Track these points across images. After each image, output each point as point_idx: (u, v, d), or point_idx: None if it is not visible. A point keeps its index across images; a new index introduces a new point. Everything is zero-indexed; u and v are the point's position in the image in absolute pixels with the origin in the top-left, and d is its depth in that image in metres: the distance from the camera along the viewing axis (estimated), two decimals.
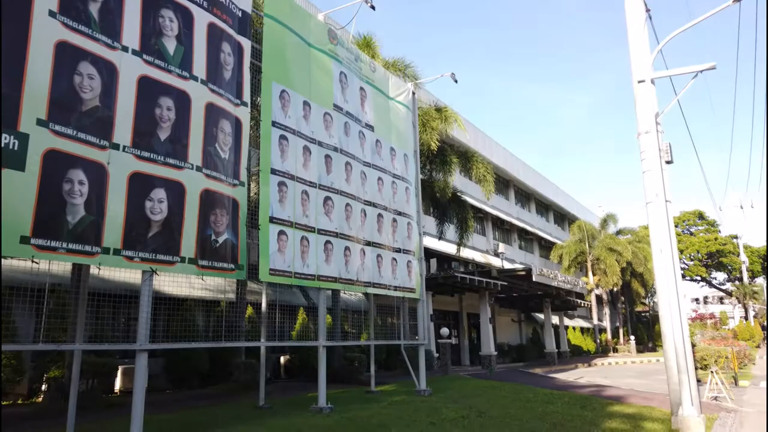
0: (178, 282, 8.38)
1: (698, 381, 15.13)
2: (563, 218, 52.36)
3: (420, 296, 11.90)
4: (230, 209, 7.59)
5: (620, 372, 25.25)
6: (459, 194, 21.08)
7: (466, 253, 33.79)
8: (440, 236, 21.89)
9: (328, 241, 9.41)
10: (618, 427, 8.47)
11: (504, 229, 40.67)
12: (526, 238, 44.08)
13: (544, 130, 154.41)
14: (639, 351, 39.77)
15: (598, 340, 40.67)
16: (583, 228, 41.25)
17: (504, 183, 41.75)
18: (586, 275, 40.37)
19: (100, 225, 5.98)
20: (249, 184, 8.39)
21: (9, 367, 10.97)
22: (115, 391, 13.77)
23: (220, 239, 7.36)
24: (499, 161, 38.30)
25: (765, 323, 53.86)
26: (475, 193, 35.74)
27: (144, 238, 6.40)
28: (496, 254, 37.13)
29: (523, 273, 26.10)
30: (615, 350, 40.30)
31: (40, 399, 10.92)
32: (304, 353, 17.49)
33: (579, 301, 35.28)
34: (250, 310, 16.29)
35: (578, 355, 38.44)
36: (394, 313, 14.07)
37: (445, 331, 18.56)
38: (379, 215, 10.97)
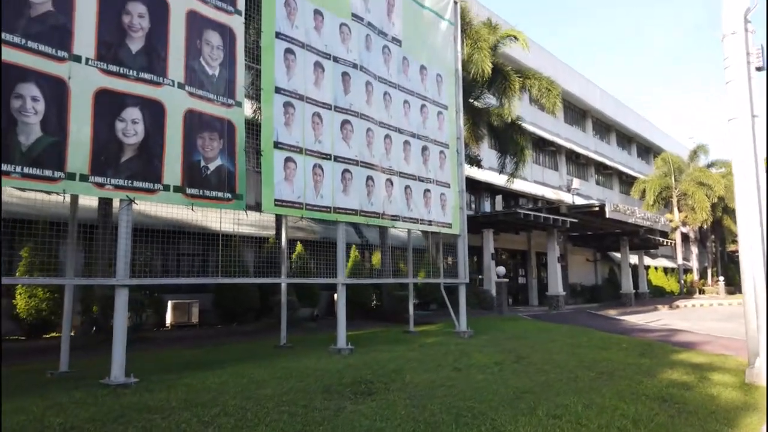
0: (225, 218, 7.86)
1: None
2: (648, 151, 48.35)
3: (459, 232, 10.82)
4: (224, 132, 6.82)
5: (703, 314, 23.24)
6: (518, 122, 19.27)
7: (536, 189, 31.94)
8: (501, 170, 20.37)
9: (346, 170, 8.50)
10: (677, 379, 7.25)
11: (579, 163, 38.05)
12: (605, 173, 41.13)
13: (631, 57, 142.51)
14: (729, 293, 36.71)
15: (683, 281, 37.93)
16: (669, 160, 37.79)
17: (580, 113, 38.72)
18: (671, 212, 37.29)
19: (62, 148, 5.39)
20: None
21: (52, 300, 11.23)
22: (167, 325, 14.03)
23: (212, 166, 6.64)
24: (573, 89, 35.33)
25: None
26: (545, 124, 33.35)
27: (116, 163, 5.77)
28: (570, 190, 34.89)
29: (596, 209, 24.18)
30: (701, 291, 37.49)
31: (73, 333, 11.12)
32: (354, 290, 17.17)
33: (661, 239, 32.70)
34: (299, 247, 15.98)
35: (660, 297, 36.13)
36: (448, 250, 13.20)
37: (501, 270, 17.48)
38: (406, 142, 9.84)
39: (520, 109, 28.98)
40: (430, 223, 10.15)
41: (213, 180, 6.64)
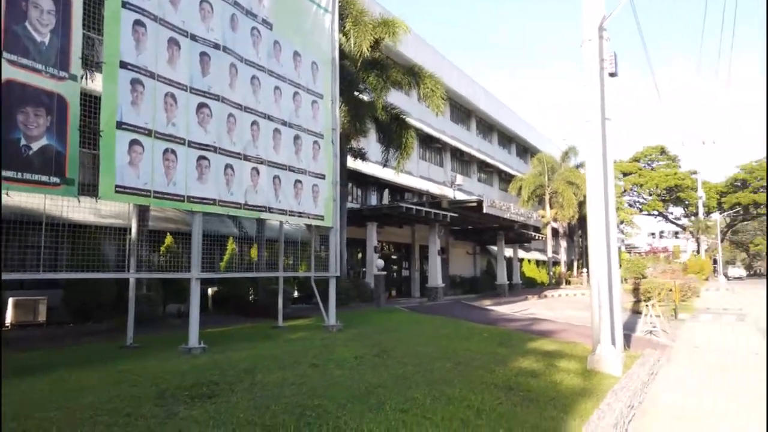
0: (81, 208, 6.96)
1: (639, 313, 14.53)
2: (526, 151, 51.43)
3: (332, 224, 10.61)
4: (53, 108, 6.02)
5: (566, 304, 25.12)
6: (402, 116, 19.46)
7: (422, 184, 32.71)
8: (385, 163, 20.48)
9: (202, 157, 7.92)
10: (527, 367, 7.57)
11: (463, 160, 39.53)
12: (486, 170, 43.11)
13: (514, 59, 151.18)
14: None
15: (552, 273, 40.86)
16: (543, 160, 40.43)
17: (466, 112, 40.23)
18: (544, 208, 39.96)
19: None
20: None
21: None
22: (6, 324, 12.51)
23: (36, 145, 5.84)
24: (460, 89, 36.63)
25: (715, 257, 55.17)
26: (432, 122, 34.23)
27: None
28: (453, 186, 36.18)
29: (474, 204, 25.25)
30: (568, 282, 40.61)
31: None
32: (232, 285, 16.46)
33: (533, 234, 34.96)
34: (169, 239, 14.94)
35: (531, 287, 38.65)
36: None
37: (379, 262, 17.57)
38: (276, 130, 9.41)
39: (409, 105, 29.50)
40: (300, 214, 9.80)
41: (36, 162, 5.83)
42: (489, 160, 41.52)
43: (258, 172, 8.91)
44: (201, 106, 7.95)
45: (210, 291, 17.30)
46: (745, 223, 69.15)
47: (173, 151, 7.45)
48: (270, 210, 9.18)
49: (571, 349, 9.27)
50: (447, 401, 5.64)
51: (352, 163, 21.09)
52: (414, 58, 29.18)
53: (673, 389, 7.17)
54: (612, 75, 9.50)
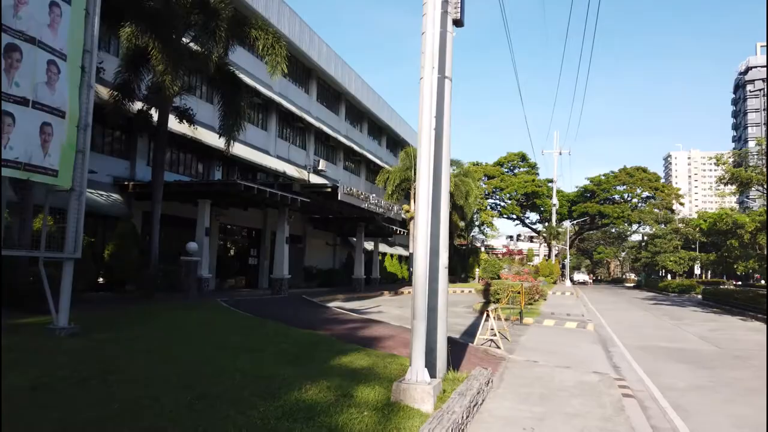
0: None
1: (486, 316, 13.00)
2: (396, 144, 50.41)
3: (75, 185, 7.46)
4: None
5: None
6: (233, 71, 16.50)
7: (279, 165, 29.75)
8: (221, 132, 17.36)
9: None
10: (311, 398, 5.34)
11: (329, 145, 37.23)
12: (354, 159, 41.24)
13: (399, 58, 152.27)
14: (451, 282, 39.94)
15: (412, 269, 40.11)
16: (411, 154, 39.31)
17: (335, 95, 37.93)
18: (410, 203, 38.99)
19: None
20: None
21: None
22: None
23: None
24: (329, 67, 34.29)
25: (564, 262, 58.59)
26: (297, 99, 31.51)
27: None
28: (317, 171, 33.73)
29: (329, 190, 23.02)
30: None
31: None
32: None
33: (395, 228, 33.72)
34: None
35: (391, 283, 37.52)
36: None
37: (192, 246, 14.51)
38: None
39: (272, 78, 26.51)
40: (9, 164, 6.53)
41: None
42: (357, 149, 39.66)
43: None
44: None
45: None
46: (591, 231, 74.74)
47: None
48: None
49: (385, 367, 7.20)
50: None
51: (178, 126, 17.76)
52: (277, 25, 26.33)
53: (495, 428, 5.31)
54: (457, 23, 7.58)
